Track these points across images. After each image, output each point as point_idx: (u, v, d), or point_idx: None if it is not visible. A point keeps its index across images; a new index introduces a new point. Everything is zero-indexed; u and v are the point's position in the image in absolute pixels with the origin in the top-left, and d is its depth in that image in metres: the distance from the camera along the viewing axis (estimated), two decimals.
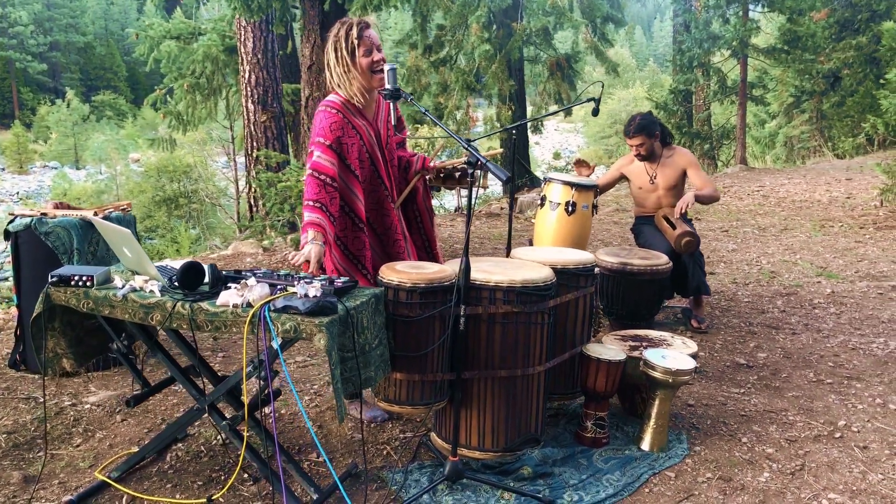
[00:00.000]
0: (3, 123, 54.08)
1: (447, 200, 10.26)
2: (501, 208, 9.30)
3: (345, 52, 3.09)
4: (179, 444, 3.24)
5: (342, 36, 3.09)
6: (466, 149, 2.87)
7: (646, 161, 5.03)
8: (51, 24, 65.66)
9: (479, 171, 3.66)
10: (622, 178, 5.26)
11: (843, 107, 17.23)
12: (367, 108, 3.25)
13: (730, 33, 14.47)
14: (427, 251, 3.57)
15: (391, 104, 3.25)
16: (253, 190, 7.95)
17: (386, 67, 2.99)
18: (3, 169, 44.51)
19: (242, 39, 8.18)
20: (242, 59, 8.23)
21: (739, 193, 10.81)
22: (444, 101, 11.20)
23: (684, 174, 5.00)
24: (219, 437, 3.25)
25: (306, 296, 2.53)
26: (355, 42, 3.07)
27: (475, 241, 7.66)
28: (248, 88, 8.18)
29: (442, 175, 3.54)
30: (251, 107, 8.23)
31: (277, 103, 8.33)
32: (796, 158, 19.87)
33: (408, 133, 3.59)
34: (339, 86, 3.18)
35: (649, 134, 4.90)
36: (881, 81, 8.73)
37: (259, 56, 8.09)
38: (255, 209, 8.27)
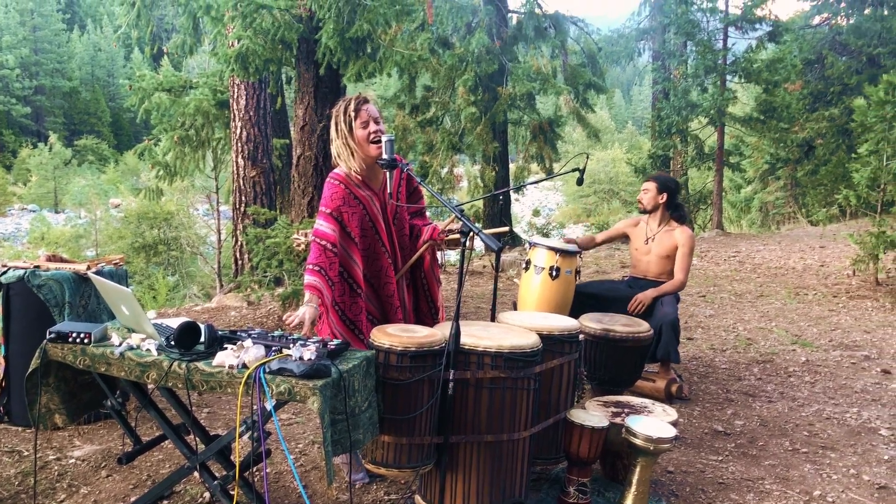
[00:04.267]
0: None
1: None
2: (484, 266, 9.42)
3: (343, 126, 3.26)
4: (165, 502, 3.25)
5: (341, 111, 3.27)
6: (460, 218, 2.99)
7: (646, 214, 5.16)
8: (37, 68, 65.92)
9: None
10: (623, 236, 5.39)
11: (817, 175, 17.69)
12: (373, 180, 3.39)
13: (707, 102, 14.91)
14: (433, 318, 3.68)
15: (402, 176, 3.41)
16: (239, 244, 8.02)
17: (384, 138, 3.13)
18: None
19: (235, 96, 8.35)
20: (234, 116, 8.38)
21: (716, 259, 11.03)
22: (430, 160, 11.42)
23: (676, 249, 5.09)
24: (205, 494, 3.27)
25: (301, 358, 2.60)
26: (352, 115, 3.24)
27: (462, 298, 7.72)
28: (239, 144, 8.31)
29: (448, 241, 3.67)
30: (241, 162, 8.35)
31: (267, 159, 8.47)
32: (771, 224, 20.30)
33: (425, 203, 3.72)
34: (338, 157, 3.33)
35: (660, 188, 5.04)
36: (853, 154, 9.03)
37: (251, 113, 8.25)
38: (240, 263, 8.32)
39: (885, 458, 4.11)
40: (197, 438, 2.99)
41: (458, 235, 3.36)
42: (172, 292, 19.01)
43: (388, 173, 3.23)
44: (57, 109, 67.41)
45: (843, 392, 5.22)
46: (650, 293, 4.97)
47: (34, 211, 44.00)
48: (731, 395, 5.11)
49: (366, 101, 3.28)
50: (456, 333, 2.91)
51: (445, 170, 11.76)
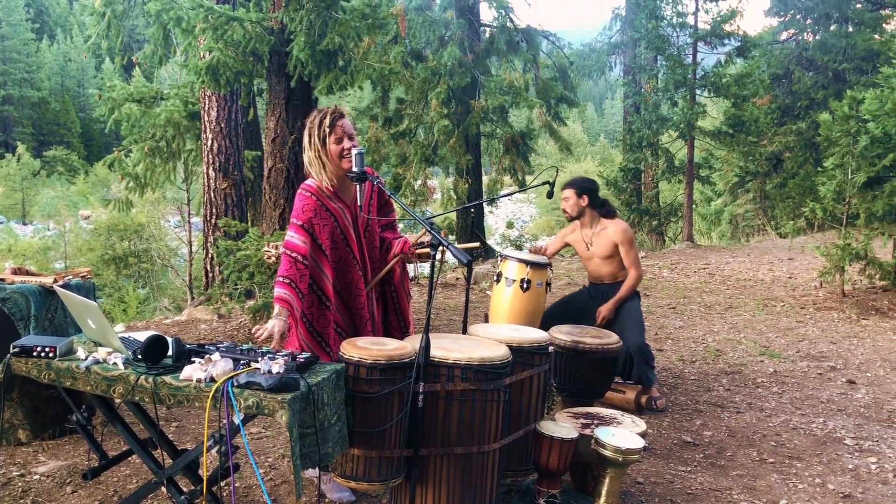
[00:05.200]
0: None
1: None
2: (457, 279, 9.44)
3: (316, 140, 3.26)
4: None
5: (316, 123, 3.26)
6: (430, 231, 3.00)
7: (575, 221, 5.16)
8: (5, 77, 65.02)
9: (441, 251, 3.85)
10: (566, 245, 5.42)
11: (785, 188, 17.98)
12: (345, 192, 3.39)
13: (678, 116, 15.11)
14: (402, 331, 3.67)
15: (373, 189, 3.42)
16: (210, 256, 7.97)
17: (354, 151, 3.14)
18: None
19: (206, 108, 8.30)
20: (206, 128, 8.33)
21: (686, 270, 11.15)
22: (403, 172, 11.43)
23: (616, 247, 5.08)
24: None
25: (269, 372, 2.59)
26: (327, 131, 3.24)
27: (432, 310, 7.72)
28: (210, 156, 8.27)
29: (418, 254, 3.67)
30: (212, 174, 8.30)
31: (239, 171, 8.43)
32: (741, 236, 20.57)
33: (396, 216, 3.72)
34: (310, 167, 3.33)
35: (578, 193, 5.04)
36: (819, 168, 9.19)
37: (223, 125, 8.21)
38: (211, 276, 8.26)
39: (850, 467, 4.17)
40: (164, 453, 2.96)
41: (428, 249, 3.36)
42: (143, 305, 18.80)
43: (358, 186, 3.24)
44: (25, 120, 66.48)
45: (809, 402, 5.29)
46: (610, 305, 5.01)
47: (1, 223, 43.31)
48: (700, 405, 5.16)
49: (342, 115, 3.28)
50: (426, 346, 2.92)
51: (419, 182, 11.78)
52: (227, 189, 8.22)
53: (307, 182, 3.38)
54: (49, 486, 3.55)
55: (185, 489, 2.88)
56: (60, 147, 61.27)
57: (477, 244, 3.72)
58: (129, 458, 3.75)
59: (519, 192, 5.25)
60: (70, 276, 4.18)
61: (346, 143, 3.25)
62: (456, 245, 3.60)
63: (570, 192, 5.09)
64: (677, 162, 16.66)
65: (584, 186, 5.09)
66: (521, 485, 3.75)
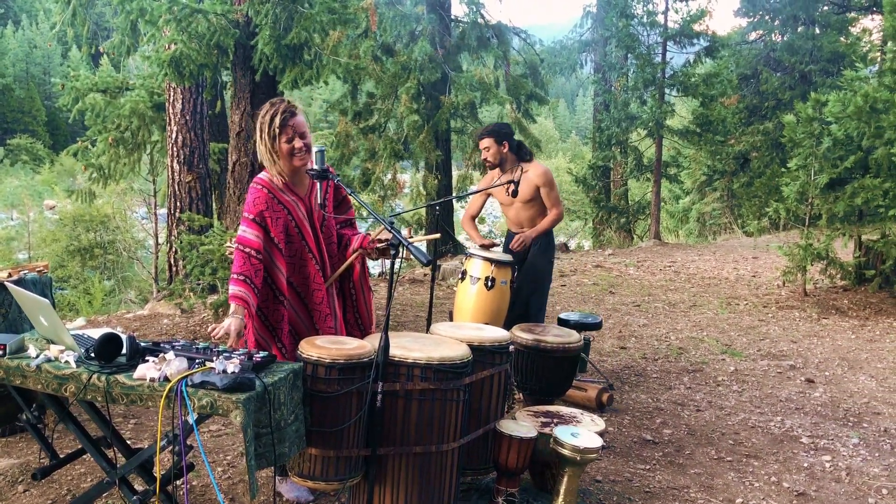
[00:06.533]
0: None
1: (372, 265, 10.37)
2: (425, 275, 9.43)
3: (266, 137, 3.21)
4: None
5: (266, 121, 3.21)
6: (390, 230, 2.99)
7: (497, 170, 5.14)
8: None
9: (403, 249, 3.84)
10: (488, 197, 5.39)
11: (752, 187, 18.22)
12: (299, 185, 3.35)
13: (646, 115, 15.22)
14: (360, 329, 3.64)
15: (329, 184, 3.38)
16: (174, 250, 7.88)
17: (314, 149, 3.11)
18: None
19: (171, 100, 8.19)
20: (170, 120, 8.22)
21: (652, 268, 11.24)
22: (372, 167, 11.39)
23: (538, 190, 5.09)
24: None
25: (224, 371, 2.56)
26: (277, 130, 3.19)
27: (397, 307, 7.74)
28: (175, 149, 8.16)
29: (378, 249, 3.63)
30: (176, 167, 8.20)
31: (204, 164, 8.33)
32: (708, 234, 20.81)
33: (354, 214, 3.69)
34: (262, 159, 3.29)
35: (498, 140, 5.00)
36: (782, 169, 9.31)
37: (188, 118, 8.10)
38: (174, 270, 8.17)
39: (805, 465, 4.24)
40: (118, 452, 2.92)
41: (386, 244, 3.34)
42: (109, 297, 18.54)
43: (317, 184, 3.21)
44: None
45: (768, 401, 5.37)
46: (530, 233, 5.04)
47: None
48: (660, 404, 5.21)
49: (293, 113, 3.22)
50: (385, 345, 2.91)
51: (388, 177, 11.74)
52: (192, 182, 8.12)
53: (259, 175, 3.33)
54: (1, 485, 3.48)
55: (140, 489, 2.85)
56: (25, 135, 60.07)
57: (438, 235, 3.70)
58: (84, 458, 3.71)
59: (485, 190, 5.24)
60: (26, 271, 4.10)
61: (297, 143, 3.21)
62: (420, 234, 3.61)
63: (489, 142, 5.02)
64: (646, 160, 16.79)
65: (500, 132, 5.03)
66: (481, 483, 3.76)
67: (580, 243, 20.03)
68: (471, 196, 5.89)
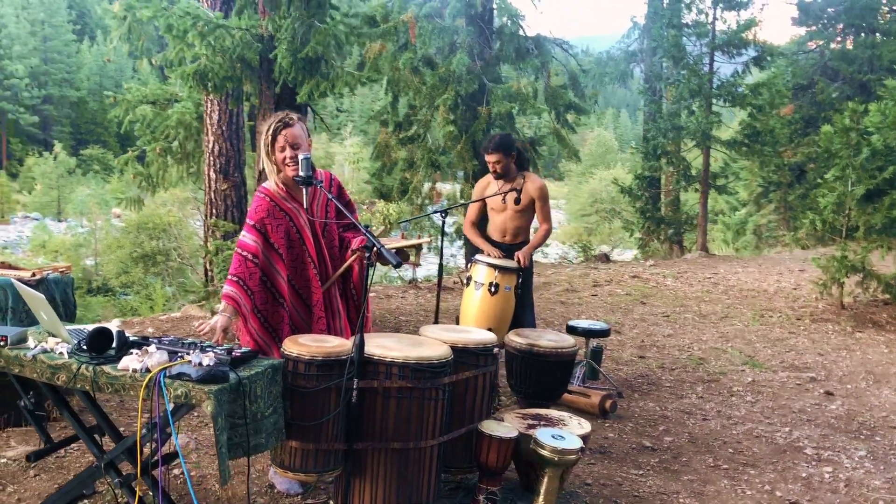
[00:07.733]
0: None
1: (404, 272, 10.52)
2: (454, 282, 9.55)
3: (264, 147, 3.45)
4: (86, 501, 3.37)
5: (264, 131, 3.45)
6: (365, 234, 3.14)
7: (501, 180, 5.15)
8: (46, 77, 66.59)
9: (415, 250, 4.00)
10: (484, 202, 5.36)
11: (807, 199, 17.82)
12: (299, 193, 3.54)
13: (693, 125, 15.06)
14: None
15: (333, 188, 3.57)
16: (208, 256, 8.20)
17: (300, 156, 3.29)
18: None
19: (209, 111, 8.56)
20: (207, 130, 8.58)
21: (691, 280, 11.13)
22: (410, 177, 11.59)
23: (534, 202, 5.13)
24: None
25: (200, 364, 2.74)
26: (269, 140, 3.41)
27: (422, 313, 7.86)
28: (212, 158, 8.52)
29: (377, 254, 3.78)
30: (213, 175, 8.55)
31: (239, 172, 8.67)
32: (764, 247, 20.42)
33: (357, 217, 3.85)
34: (265, 169, 3.52)
35: (507, 152, 5.04)
36: (818, 181, 9.16)
37: (223, 127, 8.46)
38: (210, 274, 8.50)
39: (803, 475, 4.22)
40: (111, 439, 3.12)
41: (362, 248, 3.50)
42: (170, 302, 19.16)
43: (304, 189, 3.39)
44: (64, 119, 68.00)
45: (780, 412, 5.32)
46: (526, 251, 5.05)
47: (37, 219, 44.29)
48: (667, 412, 5.22)
49: (287, 125, 3.42)
50: (360, 343, 3.05)
51: (427, 186, 11.93)
52: (227, 190, 8.45)
53: (264, 184, 3.57)
54: (14, 470, 3.74)
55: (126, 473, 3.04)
56: (97, 146, 62.50)
57: (420, 241, 3.79)
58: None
59: (484, 199, 5.33)
60: (49, 271, 4.38)
61: (289, 153, 3.40)
62: (400, 240, 3.77)
63: (499, 156, 5.02)
64: (694, 171, 16.60)
65: (506, 145, 5.06)
66: (468, 482, 3.86)
67: (625, 254, 19.89)
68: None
